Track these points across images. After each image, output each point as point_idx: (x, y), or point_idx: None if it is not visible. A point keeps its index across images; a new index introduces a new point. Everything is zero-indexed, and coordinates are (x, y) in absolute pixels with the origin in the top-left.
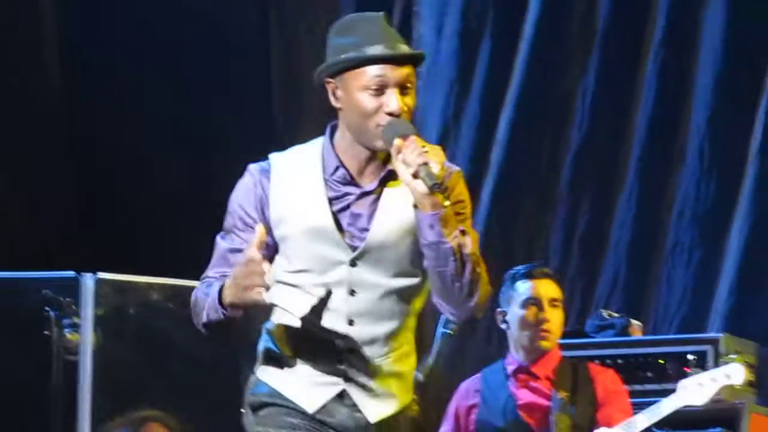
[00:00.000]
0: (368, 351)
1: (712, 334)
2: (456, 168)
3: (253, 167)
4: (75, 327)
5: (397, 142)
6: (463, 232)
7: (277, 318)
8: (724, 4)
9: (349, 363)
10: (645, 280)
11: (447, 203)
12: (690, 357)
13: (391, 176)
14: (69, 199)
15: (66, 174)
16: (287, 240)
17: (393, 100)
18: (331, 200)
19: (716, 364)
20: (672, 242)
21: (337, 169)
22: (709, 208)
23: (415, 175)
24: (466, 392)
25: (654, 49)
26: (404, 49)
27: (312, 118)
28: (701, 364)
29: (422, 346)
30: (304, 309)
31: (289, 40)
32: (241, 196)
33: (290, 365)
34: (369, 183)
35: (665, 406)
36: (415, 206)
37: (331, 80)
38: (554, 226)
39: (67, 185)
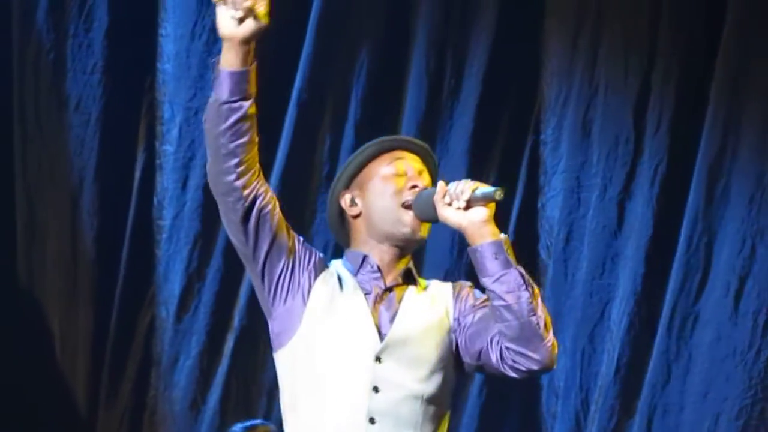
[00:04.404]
0: None
1: None
2: None
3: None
4: None
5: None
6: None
7: (292, 425)
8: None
9: None
10: None
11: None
12: None
13: (409, 275)
14: None
15: None
16: (316, 327)
17: (414, 177)
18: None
19: None
20: None
21: (364, 259)
22: None
23: (468, 207)
24: None
25: None
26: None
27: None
28: None
29: None
30: (325, 405)
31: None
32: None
33: None
34: (391, 281)
35: None
36: (472, 245)
37: (346, 190)
38: None
39: None
